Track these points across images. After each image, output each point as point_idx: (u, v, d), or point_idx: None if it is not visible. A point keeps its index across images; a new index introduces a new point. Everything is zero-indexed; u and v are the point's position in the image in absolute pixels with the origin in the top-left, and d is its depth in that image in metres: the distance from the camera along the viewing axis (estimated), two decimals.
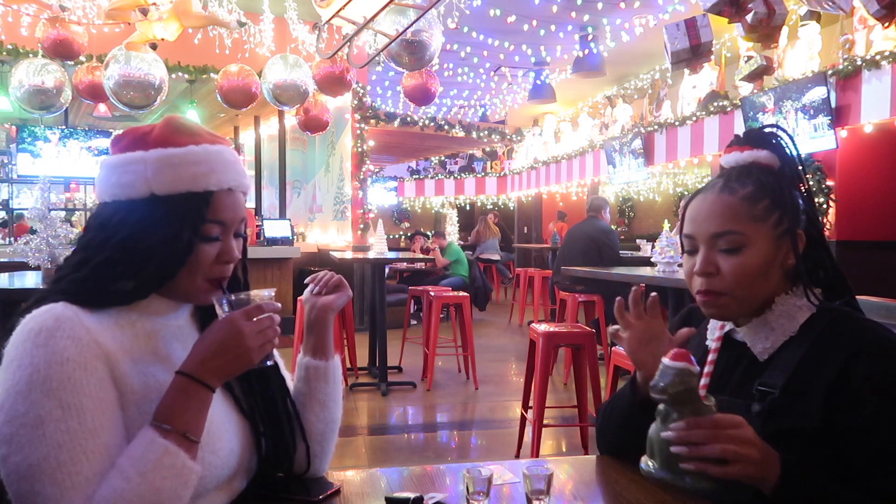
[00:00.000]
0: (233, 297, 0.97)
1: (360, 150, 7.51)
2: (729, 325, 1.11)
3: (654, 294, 1.17)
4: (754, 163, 1.08)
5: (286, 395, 1.12)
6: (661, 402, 0.89)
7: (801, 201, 1.07)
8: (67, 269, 0.97)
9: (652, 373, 1.14)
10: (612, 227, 6.19)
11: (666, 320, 5.21)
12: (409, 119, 8.30)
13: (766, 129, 1.10)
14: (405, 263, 8.39)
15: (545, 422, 3.15)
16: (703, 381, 0.90)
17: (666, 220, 4.27)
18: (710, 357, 0.94)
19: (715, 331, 1.13)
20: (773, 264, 1.04)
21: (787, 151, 1.09)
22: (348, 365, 5.02)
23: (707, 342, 1.14)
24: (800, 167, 1.10)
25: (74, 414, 0.83)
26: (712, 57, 4.27)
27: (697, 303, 1.10)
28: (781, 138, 1.09)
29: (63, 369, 0.84)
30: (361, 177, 7.55)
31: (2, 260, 5.11)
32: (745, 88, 5.98)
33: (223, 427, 0.98)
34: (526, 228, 12.76)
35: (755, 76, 5.39)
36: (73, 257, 0.98)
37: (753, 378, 1.03)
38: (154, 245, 0.94)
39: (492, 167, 14.25)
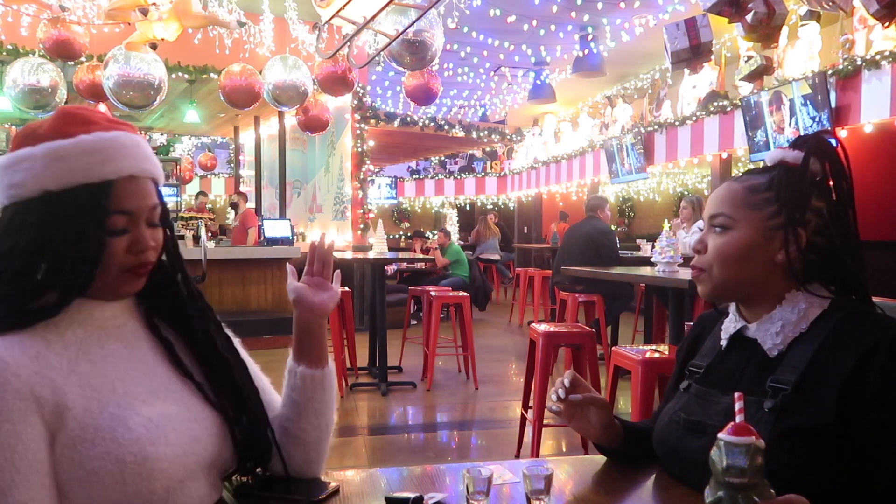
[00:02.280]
0: None
1: (360, 150, 7.51)
2: (741, 323, 1.12)
3: (569, 371, 1.24)
4: (782, 160, 1.10)
5: (250, 381, 1.08)
6: (731, 487, 0.76)
7: (819, 203, 1.06)
8: None
9: (591, 434, 1.22)
10: (612, 226, 6.17)
11: (665, 321, 5.14)
12: (409, 119, 8.30)
13: (812, 134, 1.11)
14: (405, 263, 8.39)
15: (545, 422, 3.15)
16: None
17: (666, 220, 4.27)
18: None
19: (729, 330, 1.15)
20: (755, 253, 1.07)
21: (819, 156, 1.07)
22: (348, 365, 5.01)
23: (721, 342, 1.15)
24: (846, 173, 1.07)
25: None
26: (712, 57, 4.28)
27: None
28: (816, 143, 1.08)
29: None
30: (361, 177, 7.55)
31: None
32: (745, 88, 5.97)
33: (178, 418, 0.94)
34: (526, 228, 12.75)
35: (755, 76, 5.39)
36: None
37: (765, 375, 1.04)
38: (61, 246, 0.88)
39: (492, 167, 14.24)
